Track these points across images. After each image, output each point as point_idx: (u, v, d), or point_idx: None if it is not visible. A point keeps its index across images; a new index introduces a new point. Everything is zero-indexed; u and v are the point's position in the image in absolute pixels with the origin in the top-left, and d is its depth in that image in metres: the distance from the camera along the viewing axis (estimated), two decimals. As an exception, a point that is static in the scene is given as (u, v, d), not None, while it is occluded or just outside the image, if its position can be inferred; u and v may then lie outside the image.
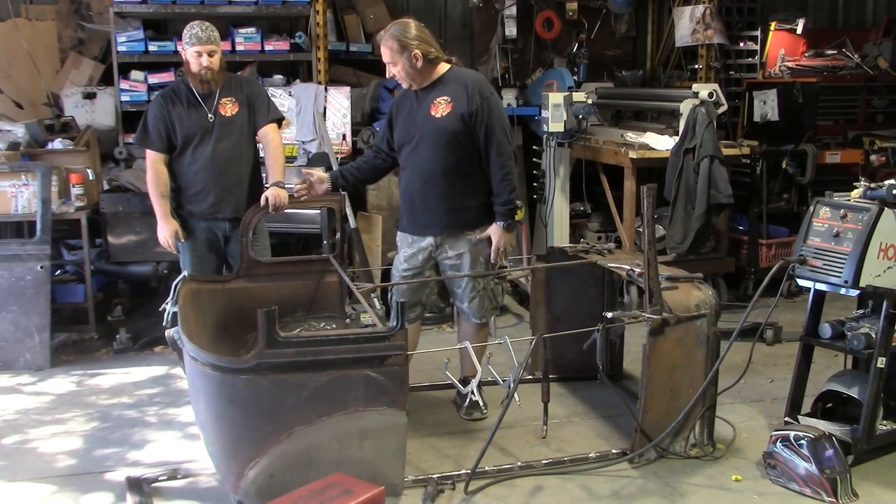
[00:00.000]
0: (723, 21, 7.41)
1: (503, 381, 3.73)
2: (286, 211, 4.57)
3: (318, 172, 4.39)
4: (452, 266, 4.25)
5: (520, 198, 6.87)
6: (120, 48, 6.27)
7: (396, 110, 4.29)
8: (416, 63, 4.02)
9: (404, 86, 4.17)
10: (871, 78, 7.17)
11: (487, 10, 7.49)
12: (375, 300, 5.36)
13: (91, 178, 5.75)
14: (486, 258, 4.25)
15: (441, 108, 4.07)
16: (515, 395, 3.61)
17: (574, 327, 4.06)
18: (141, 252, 5.66)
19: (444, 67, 4.15)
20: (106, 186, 5.91)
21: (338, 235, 4.60)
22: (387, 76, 4.19)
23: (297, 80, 6.66)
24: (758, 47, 7.50)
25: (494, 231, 4.17)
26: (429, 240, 4.22)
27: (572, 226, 6.62)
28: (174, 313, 3.63)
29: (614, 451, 3.91)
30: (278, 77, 6.61)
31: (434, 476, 3.64)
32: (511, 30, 7.40)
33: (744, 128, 7.09)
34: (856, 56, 7.26)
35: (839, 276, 3.62)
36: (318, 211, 5.67)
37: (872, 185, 3.75)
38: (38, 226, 5.27)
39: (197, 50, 4.45)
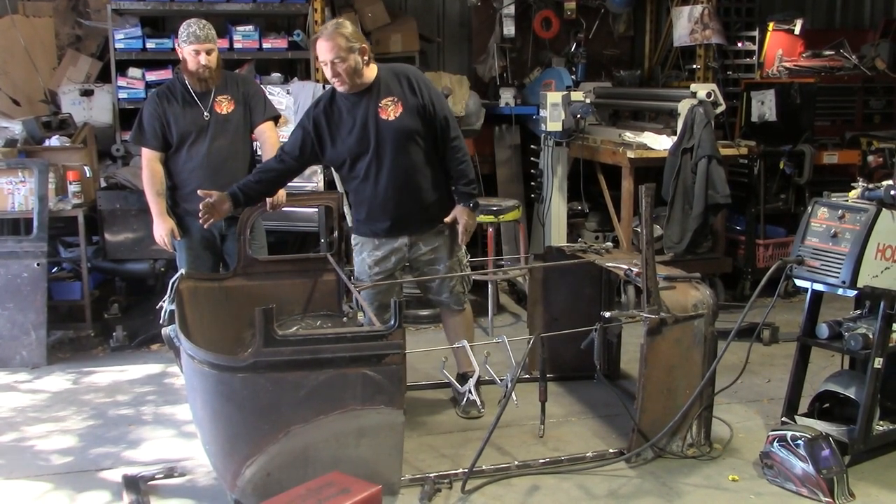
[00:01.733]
0: (721, 21, 7.41)
1: (500, 380, 3.73)
2: (283, 209, 4.57)
3: (216, 193, 4.09)
4: (429, 261, 4.24)
5: (517, 197, 6.93)
6: (118, 45, 6.25)
7: (326, 123, 4.06)
8: (363, 60, 3.91)
9: (342, 89, 3.96)
10: (869, 79, 7.17)
11: (485, 9, 7.48)
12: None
13: (88, 175, 5.73)
14: (458, 243, 4.27)
15: (391, 109, 3.97)
16: (513, 394, 3.62)
17: (571, 327, 4.06)
18: (138, 250, 5.66)
19: (373, 69, 4.04)
20: (103, 184, 5.90)
21: (335, 234, 4.60)
22: (328, 75, 3.94)
23: (295, 79, 6.65)
24: (756, 47, 7.49)
25: (461, 212, 4.14)
26: (402, 240, 4.18)
27: (570, 225, 6.62)
28: (171, 311, 3.63)
29: (611, 450, 3.91)
30: (276, 75, 6.60)
31: (431, 475, 3.63)
32: (509, 29, 7.39)
33: (741, 128, 7.09)
34: (853, 57, 7.26)
35: (837, 277, 3.62)
36: (316, 209, 5.66)
37: (870, 185, 3.74)
38: (35, 223, 5.26)
39: (195, 48, 4.44)
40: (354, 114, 4.02)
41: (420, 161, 4.07)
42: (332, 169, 4.33)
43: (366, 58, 3.93)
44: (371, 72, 4.01)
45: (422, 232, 4.18)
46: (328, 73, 3.94)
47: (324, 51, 3.88)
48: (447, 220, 4.16)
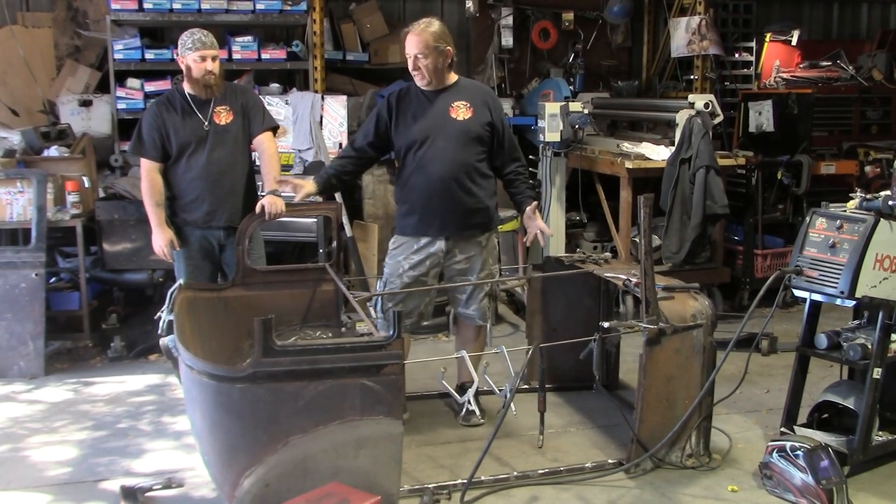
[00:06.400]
0: (718, 32, 7.45)
1: (500, 390, 3.73)
2: (282, 219, 4.57)
3: (301, 183, 4.34)
4: (461, 271, 4.28)
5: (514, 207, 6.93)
6: (116, 56, 6.28)
7: (396, 110, 4.25)
8: (446, 61, 4.12)
9: (421, 84, 4.17)
10: (866, 89, 7.20)
11: (484, 19, 7.51)
12: (371, 309, 5.35)
13: (87, 185, 5.74)
14: (494, 259, 4.37)
15: (462, 111, 4.15)
16: (511, 404, 3.61)
17: (570, 337, 4.06)
18: (136, 260, 5.66)
19: (454, 75, 4.26)
20: (101, 194, 5.91)
21: (334, 244, 4.60)
22: (410, 67, 4.14)
23: (294, 89, 6.66)
24: (753, 58, 7.53)
25: (533, 215, 4.25)
26: (440, 245, 4.22)
27: (568, 235, 6.63)
28: (169, 321, 3.62)
29: (610, 461, 3.91)
30: (275, 86, 6.62)
31: (430, 486, 3.63)
32: (507, 40, 7.43)
33: (739, 138, 7.12)
34: (850, 67, 7.30)
35: (835, 287, 3.62)
36: (314, 219, 5.66)
37: (868, 196, 3.76)
38: (34, 233, 5.26)
39: (201, 54, 4.45)
40: (425, 106, 4.19)
41: (475, 165, 4.20)
42: (396, 160, 4.53)
43: (449, 60, 4.15)
44: (451, 77, 4.24)
45: (459, 238, 4.24)
46: (410, 66, 4.15)
47: (410, 44, 4.11)
48: (529, 234, 4.31)
